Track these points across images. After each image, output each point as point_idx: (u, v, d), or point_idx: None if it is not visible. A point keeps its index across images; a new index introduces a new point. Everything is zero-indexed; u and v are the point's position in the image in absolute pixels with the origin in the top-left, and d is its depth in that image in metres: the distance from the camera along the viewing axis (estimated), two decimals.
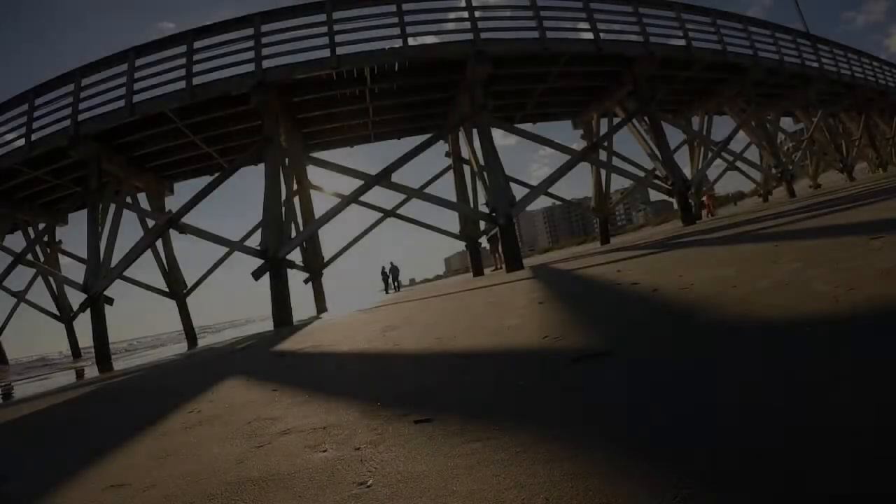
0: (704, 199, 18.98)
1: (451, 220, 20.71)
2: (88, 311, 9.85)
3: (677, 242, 6.50)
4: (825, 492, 0.66)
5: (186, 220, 10.03)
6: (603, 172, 15.45)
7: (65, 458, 1.82)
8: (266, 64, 9.86)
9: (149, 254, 11.77)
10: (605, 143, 14.06)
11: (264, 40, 9.95)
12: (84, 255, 10.47)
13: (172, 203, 15.32)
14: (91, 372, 7.71)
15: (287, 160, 11.24)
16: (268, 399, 2.23)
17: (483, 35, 10.64)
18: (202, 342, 11.65)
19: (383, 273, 21.58)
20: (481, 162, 11.36)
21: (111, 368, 7.39)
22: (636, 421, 1.07)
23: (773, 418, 0.92)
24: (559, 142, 12.04)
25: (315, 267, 13.67)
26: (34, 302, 14.48)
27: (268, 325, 11.74)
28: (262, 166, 9.96)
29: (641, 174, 14.09)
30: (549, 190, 12.16)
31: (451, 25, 11.32)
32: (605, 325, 2.26)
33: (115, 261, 10.22)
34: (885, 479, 0.65)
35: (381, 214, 13.60)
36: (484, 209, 11.58)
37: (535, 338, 2.27)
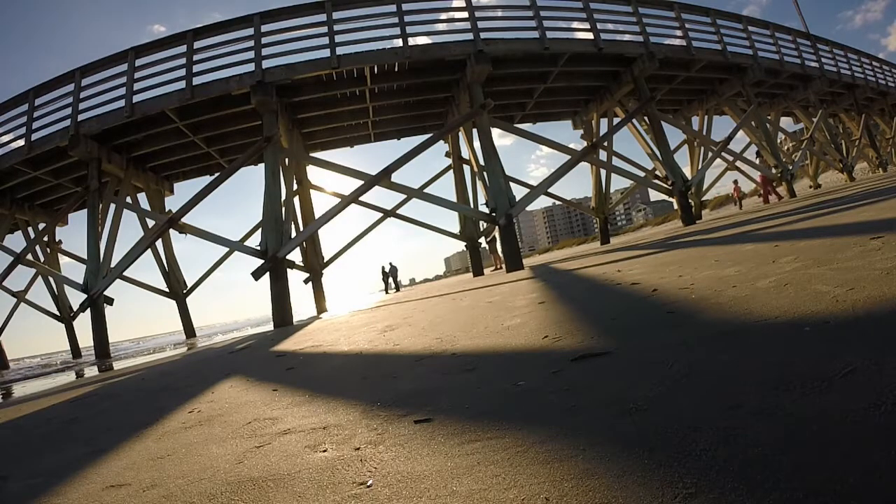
0: (733, 190, 19.10)
1: (451, 220, 20.76)
2: (88, 311, 9.88)
3: (677, 242, 6.50)
4: (829, 489, 0.66)
5: (186, 220, 10.04)
6: (603, 172, 15.48)
7: (65, 458, 1.82)
8: (266, 64, 9.89)
9: (149, 254, 11.78)
10: (605, 143, 14.07)
11: (264, 40, 9.98)
12: (84, 255, 10.48)
13: (172, 203, 15.37)
14: (91, 372, 7.71)
15: (287, 160, 11.25)
16: (268, 399, 2.23)
17: (483, 35, 10.66)
18: (202, 342, 11.65)
19: (383, 272, 21.62)
20: (481, 162, 11.38)
21: (111, 368, 7.39)
22: (636, 421, 1.07)
23: (774, 418, 0.92)
24: (559, 142, 12.05)
25: (315, 267, 13.69)
26: (34, 302, 14.52)
27: (268, 326, 11.74)
28: (262, 166, 9.97)
29: (641, 174, 14.12)
30: (549, 190, 12.17)
31: (450, 25, 11.32)
32: (605, 325, 2.26)
33: (115, 261, 10.24)
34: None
35: (381, 214, 13.62)
36: (484, 209, 11.60)
37: (536, 338, 2.28)
